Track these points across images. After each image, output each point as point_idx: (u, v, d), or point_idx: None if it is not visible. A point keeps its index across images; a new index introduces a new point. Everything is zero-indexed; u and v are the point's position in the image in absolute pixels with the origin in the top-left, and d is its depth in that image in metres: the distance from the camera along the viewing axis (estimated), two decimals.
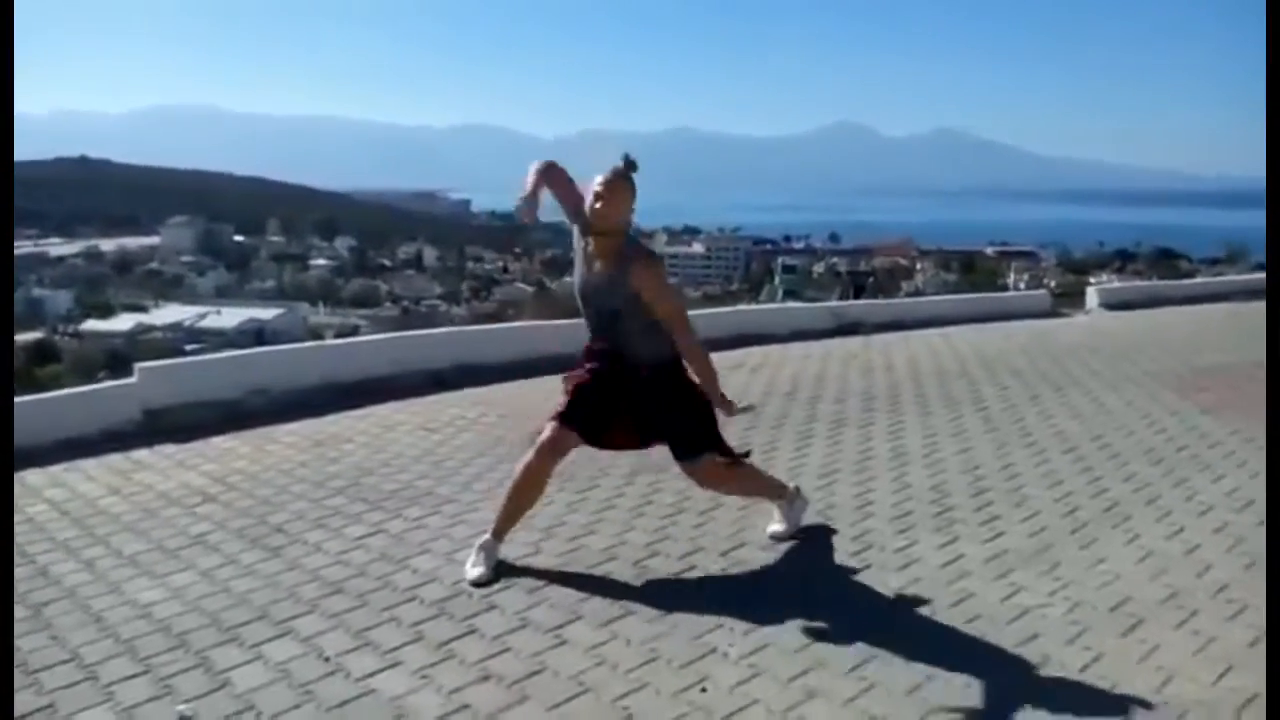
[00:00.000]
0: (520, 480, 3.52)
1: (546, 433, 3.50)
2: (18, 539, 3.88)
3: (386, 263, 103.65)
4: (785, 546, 3.76)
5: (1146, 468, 4.73)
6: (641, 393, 3.49)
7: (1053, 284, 40.57)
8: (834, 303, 11.28)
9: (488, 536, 3.56)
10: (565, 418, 3.49)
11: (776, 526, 3.84)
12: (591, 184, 3.34)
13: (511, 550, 3.66)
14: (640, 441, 3.67)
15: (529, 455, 3.52)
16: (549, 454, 3.49)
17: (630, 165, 3.37)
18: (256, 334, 56.14)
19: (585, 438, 3.53)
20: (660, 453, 4.70)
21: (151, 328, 62.52)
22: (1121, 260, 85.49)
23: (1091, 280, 39.43)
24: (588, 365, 3.55)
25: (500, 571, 3.49)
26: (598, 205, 3.32)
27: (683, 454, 3.57)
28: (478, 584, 3.41)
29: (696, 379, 3.50)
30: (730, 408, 3.50)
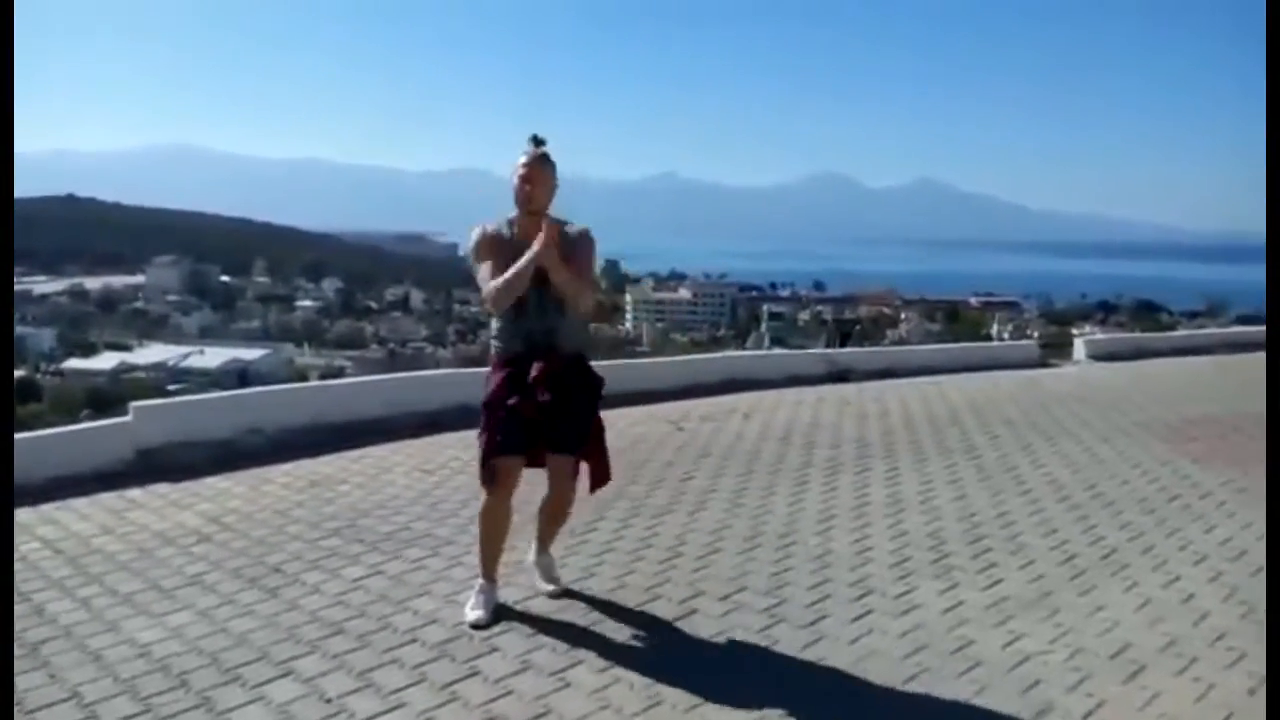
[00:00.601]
0: (483, 522, 3.53)
1: (487, 471, 3.46)
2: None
3: (373, 305, 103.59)
4: (785, 591, 3.76)
5: (1140, 517, 4.76)
6: (556, 378, 3.43)
7: (1035, 335, 40.90)
8: (826, 350, 11.36)
9: (482, 580, 3.56)
10: (499, 449, 3.42)
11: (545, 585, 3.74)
12: (516, 169, 3.43)
13: (512, 593, 3.66)
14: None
15: (482, 496, 3.51)
16: (499, 489, 3.46)
17: (540, 142, 3.47)
18: (240, 374, 55.83)
19: (522, 456, 3.48)
20: (658, 496, 4.71)
21: (134, 367, 62.13)
22: (1104, 312, 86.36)
23: (1074, 331, 39.80)
24: (502, 374, 3.49)
25: (500, 614, 3.49)
26: (528, 187, 3.41)
27: (571, 446, 3.49)
28: (477, 627, 3.40)
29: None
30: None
